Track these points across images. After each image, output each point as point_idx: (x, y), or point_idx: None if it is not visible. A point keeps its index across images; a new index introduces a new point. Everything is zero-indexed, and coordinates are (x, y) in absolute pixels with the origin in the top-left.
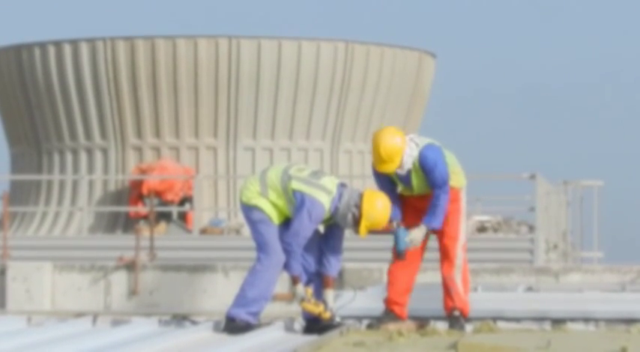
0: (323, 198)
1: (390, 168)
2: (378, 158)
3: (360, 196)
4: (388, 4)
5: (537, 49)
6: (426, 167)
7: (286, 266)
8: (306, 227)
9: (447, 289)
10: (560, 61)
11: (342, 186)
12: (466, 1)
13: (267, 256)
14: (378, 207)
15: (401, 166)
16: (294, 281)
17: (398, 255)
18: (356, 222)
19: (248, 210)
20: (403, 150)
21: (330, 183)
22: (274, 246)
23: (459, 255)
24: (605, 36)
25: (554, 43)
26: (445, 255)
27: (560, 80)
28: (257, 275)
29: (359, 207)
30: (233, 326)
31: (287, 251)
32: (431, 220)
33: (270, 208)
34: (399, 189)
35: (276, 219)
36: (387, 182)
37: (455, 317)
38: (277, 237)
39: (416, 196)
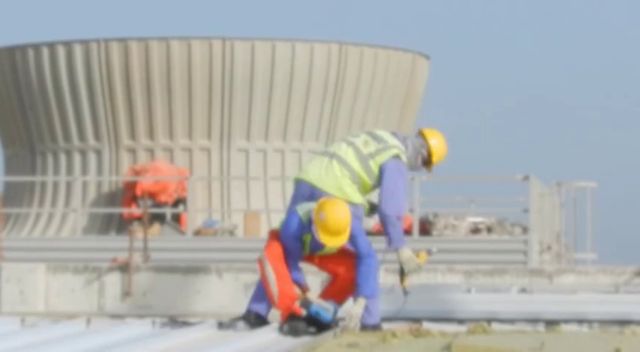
0: (399, 153)
1: (343, 240)
2: (335, 231)
3: (420, 135)
4: (382, 6)
5: (531, 51)
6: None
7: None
8: (400, 184)
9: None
10: (553, 63)
11: (395, 134)
12: (460, 2)
13: None
14: (441, 139)
15: None
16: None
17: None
18: (425, 162)
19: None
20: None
21: (392, 138)
22: None
23: None
24: (598, 38)
25: (547, 44)
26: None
27: (554, 81)
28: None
29: (425, 146)
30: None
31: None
32: (365, 288)
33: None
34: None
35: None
36: (299, 246)
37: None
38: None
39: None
